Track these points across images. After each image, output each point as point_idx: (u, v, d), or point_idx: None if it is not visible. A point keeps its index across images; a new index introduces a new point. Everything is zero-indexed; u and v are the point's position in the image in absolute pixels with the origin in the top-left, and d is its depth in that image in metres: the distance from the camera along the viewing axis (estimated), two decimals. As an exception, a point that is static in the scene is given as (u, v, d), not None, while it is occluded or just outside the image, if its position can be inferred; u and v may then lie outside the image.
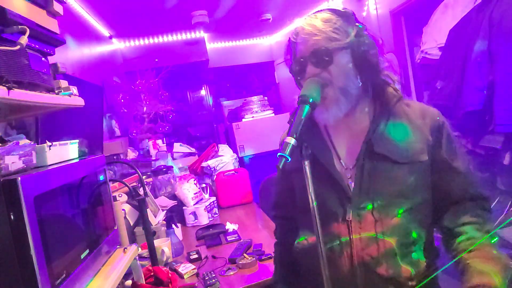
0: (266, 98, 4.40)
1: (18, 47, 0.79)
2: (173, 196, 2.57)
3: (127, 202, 1.97)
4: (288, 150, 0.77)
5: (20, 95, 0.80)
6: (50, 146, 0.91)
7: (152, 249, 1.53)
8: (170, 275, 1.42)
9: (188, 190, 2.53)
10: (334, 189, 0.94)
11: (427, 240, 0.93)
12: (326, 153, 0.98)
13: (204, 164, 3.04)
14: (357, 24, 0.92)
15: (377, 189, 0.91)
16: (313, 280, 0.98)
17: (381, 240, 0.90)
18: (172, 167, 2.83)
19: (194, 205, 2.51)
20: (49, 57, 1.04)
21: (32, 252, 0.66)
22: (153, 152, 3.21)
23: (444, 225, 0.93)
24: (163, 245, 1.74)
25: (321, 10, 0.95)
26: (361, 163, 0.93)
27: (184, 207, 2.50)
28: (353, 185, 0.93)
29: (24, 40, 0.81)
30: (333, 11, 0.93)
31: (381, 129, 0.94)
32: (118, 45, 4.03)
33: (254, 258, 1.60)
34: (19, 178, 0.66)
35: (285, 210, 1.15)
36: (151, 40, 4.16)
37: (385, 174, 0.91)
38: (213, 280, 1.46)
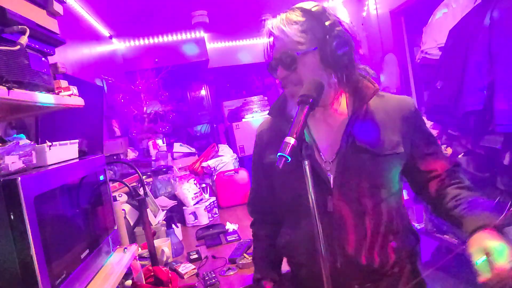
0: (266, 98, 4.40)
1: (18, 47, 0.79)
2: (173, 196, 2.57)
3: (127, 202, 1.97)
4: (288, 150, 0.77)
5: (20, 95, 0.80)
6: (50, 146, 0.91)
7: (152, 249, 1.53)
8: (170, 275, 1.42)
9: (188, 190, 2.53)
10: (315, 181, 0.93)
11: (404, 227, 0.99)
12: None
13: (204, 164, 3.04)
14: (327, 22, 0.91)
15: (357, 181, 0.94)
16: (298, 272, 1.03)
17: (361, 230, 0.93)
18: (172, 167, 2.83)
19: (194, 205, 2.50)
20: (49, 57, 1.03)
21: (32, 252, 0.66)
22: (153, 152, 3.21)
23: (429, 192, 1.00)
24: (163, 245, 1.74)
25: (291, 9, 0.96)
26: (341, 156, 0.95)
27: (184, 207, 2.50)
28: (332, 177, 0.95)
29: (24, 40, 0.80)
30: (302, 10, 0.93)
31: (360, 122, 0.96)
32: (118, 45, 4.02)
33: (254, 258, 1.60)
34: (19, 178, 0.66)
35: (264, 205, 1.15)
36: (151, 40, 4.16)
37: (365, 167, 0.94)
38: (213, 280, 1.46)
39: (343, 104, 1.00)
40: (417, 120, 1.00)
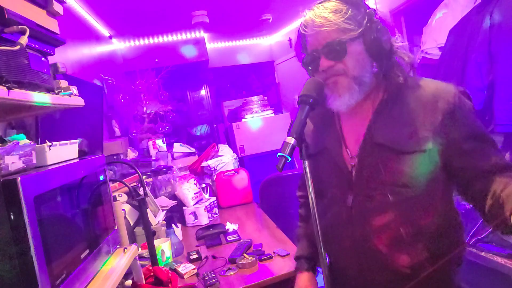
0: (266, 98, 4.40)
1: (18, 47, 0.79)
2: (173, 196, 2.57)
3: (127, 202, 1.96)
4: (288, 150, 0.77)
5: (20, 95, 0.80)
6: (50, 146, 0.91)
7: (152, 249, 1.53)
8: (170, 275, 1.42)
9: (188, 190, 2.53)
10: (337, 175, 0.97)
11: (439, 231, 0.89)
12: (334, 139, 1.00)
13: (204, 164, 3.04)
14: (367, 10, 0.90)
15: (377, 179, 0.91)
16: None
17: (380, 227, 0.90)
18: (172, 167, 2.83)
19: (194, 205, 2.50)
20: (49, 57, 1.03)
21: (32, 252, 0.66)
22: (153, 152, 3.20)
23: (474, 192, 0.86)
24: (163, 245, 1.74)
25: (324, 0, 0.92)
26: (362, 152, 0.94)
27: (184, 207, 2.50)
28: (354, 172, 0.94)
29: (24, 40, 0.80)
30: None
31: (385, 116, 0.92)
32: (118, 45, 4.02)
33: (254, 258, 1.60)
34: (19, 178, 0.66)
35: (305, 191, 1.14)
36: (151, 40, 4.16)
37: (385, 164, 0.90)
38: (213, 280, 1.46)
39: (376, 96, 0.95)
40: (457, 113, 0.86)
